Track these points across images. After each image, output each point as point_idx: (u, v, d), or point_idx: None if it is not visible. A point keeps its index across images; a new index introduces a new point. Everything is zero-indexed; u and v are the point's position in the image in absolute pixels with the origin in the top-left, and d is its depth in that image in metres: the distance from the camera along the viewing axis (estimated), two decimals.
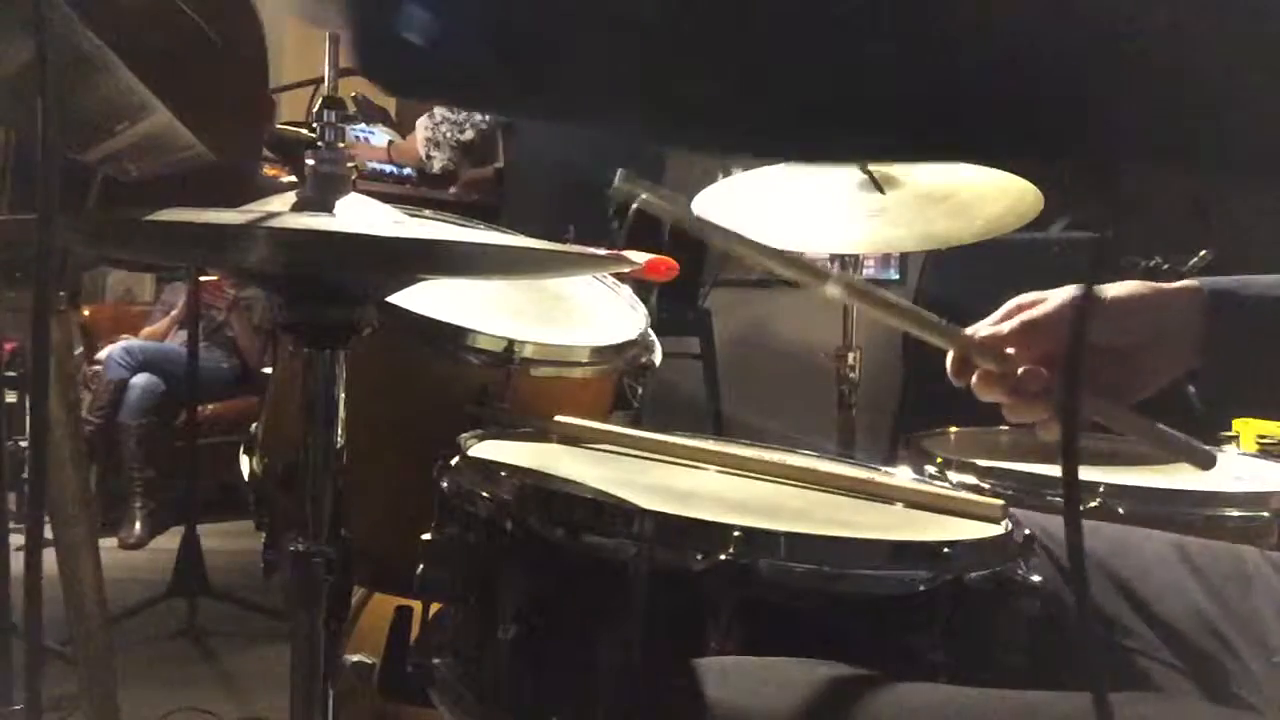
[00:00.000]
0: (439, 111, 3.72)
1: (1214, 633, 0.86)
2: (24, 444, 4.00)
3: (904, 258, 3.87)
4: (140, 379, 4.01)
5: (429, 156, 3.74)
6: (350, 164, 0.99)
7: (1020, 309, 0.92)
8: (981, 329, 0.93)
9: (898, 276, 3.94)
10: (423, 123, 3.78)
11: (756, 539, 0.79)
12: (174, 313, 4.36)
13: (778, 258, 0.90)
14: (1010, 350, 0.89)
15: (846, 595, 0.81)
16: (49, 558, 1.63)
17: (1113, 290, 0.90)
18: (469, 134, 3.71)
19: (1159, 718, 0.72)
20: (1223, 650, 0.85)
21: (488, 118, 3.68)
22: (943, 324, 0.91)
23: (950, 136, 0.41)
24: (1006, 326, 0.91)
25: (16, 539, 3.12)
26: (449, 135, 3.71)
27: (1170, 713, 0.75)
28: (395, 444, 1.22)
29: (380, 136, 4.05)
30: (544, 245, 0.90)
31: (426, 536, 0.97)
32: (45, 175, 0.79)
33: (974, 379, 0.90)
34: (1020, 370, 0.87)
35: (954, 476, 1.39)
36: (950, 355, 0.93)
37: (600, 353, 1.30)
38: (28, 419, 3.68)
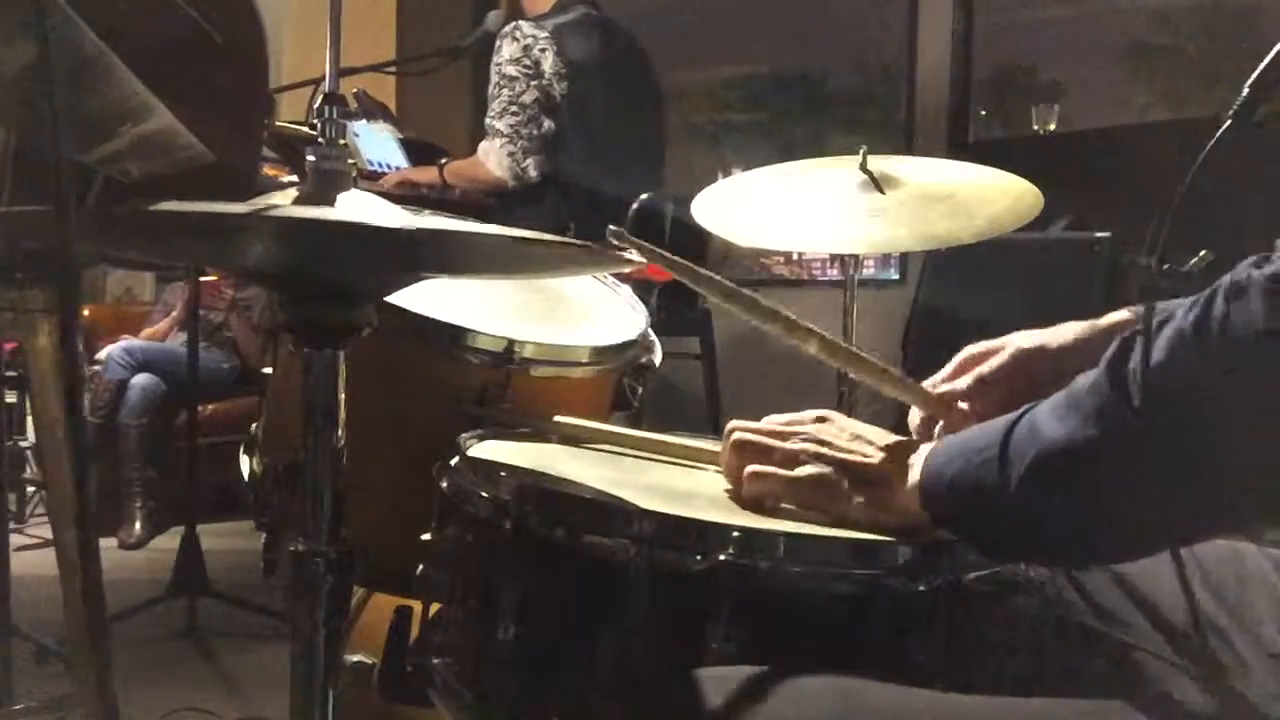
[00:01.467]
0: (504, 121, 3.03)
1: (1212, 628, 0.87)
2: (24, 444, 4.02)
3: (904, 258, 3.87)
4: (140, 379, 4.01)
5: (522, 168, 3.04)
6: (351, 160, 0.99)
7: (972, 361, 0.99)
8: (939, 383, 1.00)
9: (898, 276, 3.94)
10: (493, 144, 3.05)
11: (756, 539, 0.79)
12: (174, 313, 4.37)
13: (765, 312, 0.95)
14: (964, 405, 0.97)
15: (846, 596, 0.81)
16: (49, 558, 1.64)
17: (1057, 339, 0.98)
18: (546, 124, 3.04)
19: None
20: (1221, 645, 0.86)
21: (539, 101, 3.02)
22: (907, 380, 0.99)
23: None
24: (962, 383, 0.98)
25: (16, 539, 3.12)
26: (530, 133, 3.03)
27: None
28: (395, 444, 1.22)
29: (390, 141, 3.75)
30: (545, 236, 0.90)
31: (426, 536, 0.97)
32: (57, 179, 0.79)
33: (938, 430, 0.98)
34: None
35: None
36: (913, 412, 1.01)
37: (600, 353, 1.30)
38: (29, 419, 3.69)
